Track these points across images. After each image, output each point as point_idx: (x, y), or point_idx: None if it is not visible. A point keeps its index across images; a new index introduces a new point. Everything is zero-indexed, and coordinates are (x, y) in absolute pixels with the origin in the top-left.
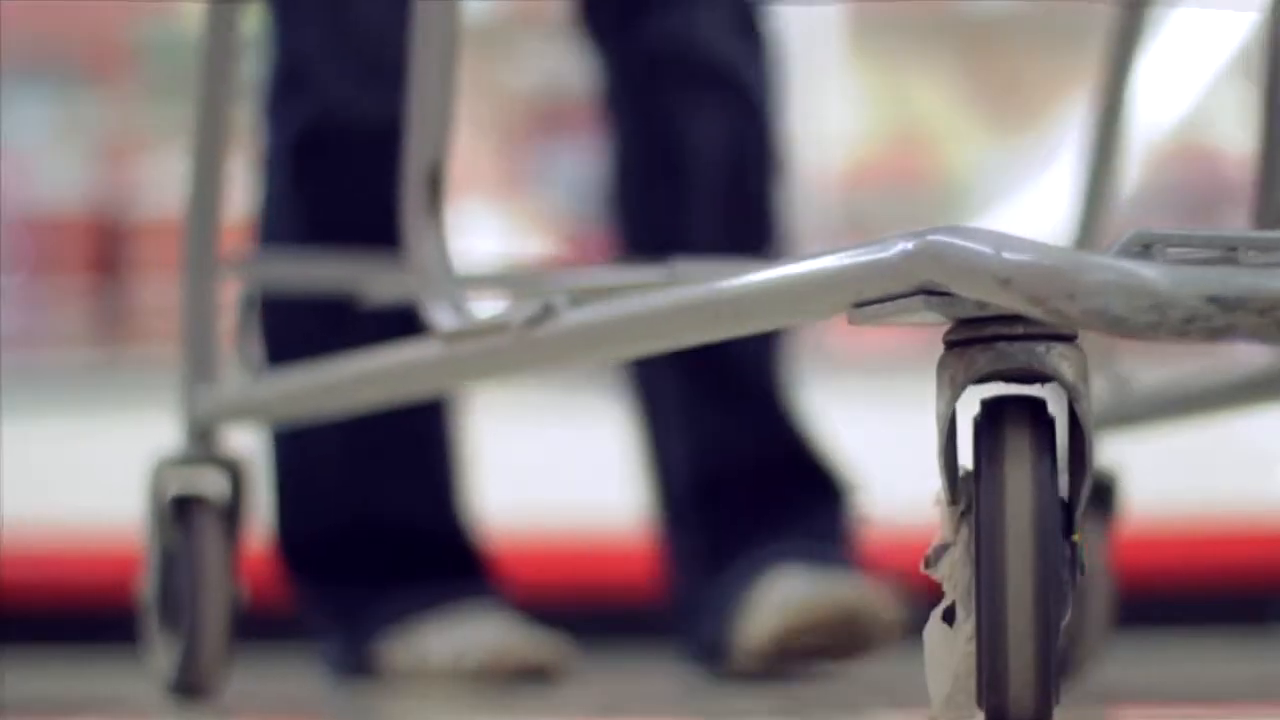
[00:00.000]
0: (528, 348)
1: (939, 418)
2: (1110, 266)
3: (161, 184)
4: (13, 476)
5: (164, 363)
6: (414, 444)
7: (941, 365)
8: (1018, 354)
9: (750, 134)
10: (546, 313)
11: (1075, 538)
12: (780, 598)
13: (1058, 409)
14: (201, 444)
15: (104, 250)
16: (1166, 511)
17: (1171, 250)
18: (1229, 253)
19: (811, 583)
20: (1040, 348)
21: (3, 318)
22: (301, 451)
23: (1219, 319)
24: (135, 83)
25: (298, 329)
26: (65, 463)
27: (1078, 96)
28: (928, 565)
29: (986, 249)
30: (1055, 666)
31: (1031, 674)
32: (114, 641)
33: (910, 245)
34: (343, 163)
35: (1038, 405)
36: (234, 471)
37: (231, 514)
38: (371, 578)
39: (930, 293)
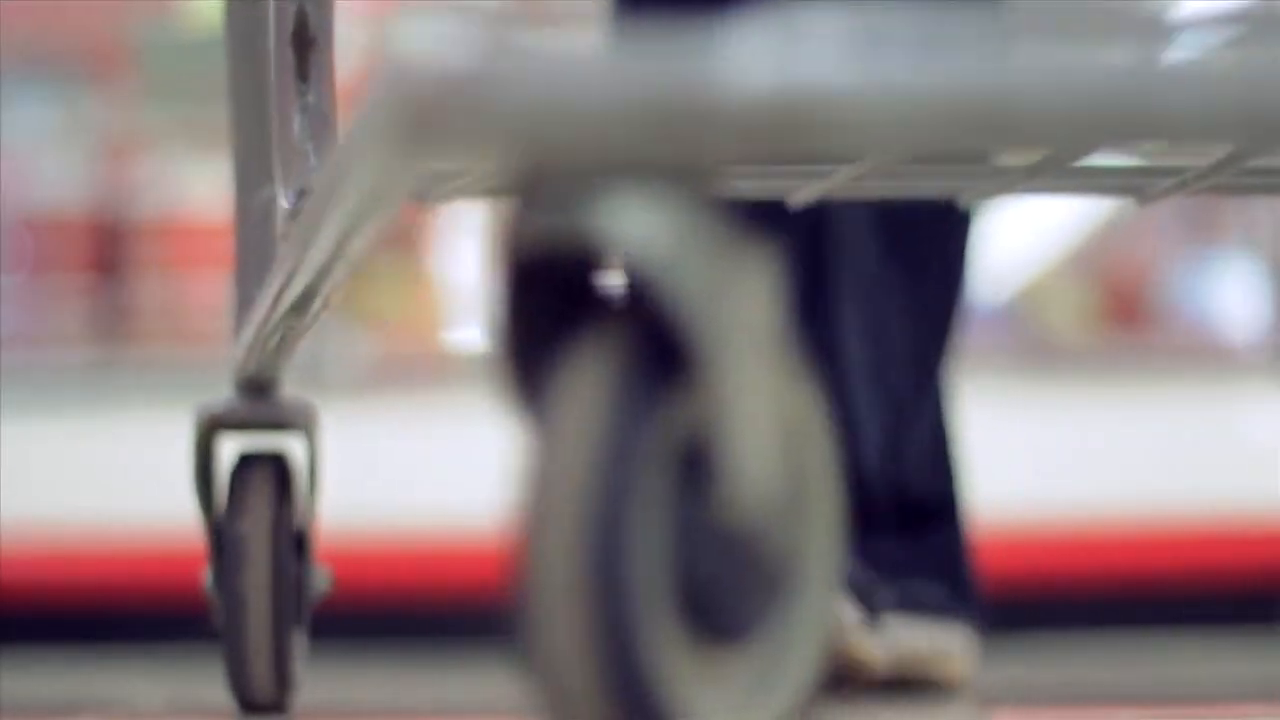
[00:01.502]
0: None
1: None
2: (570, 69)
3: (161, 184)
4: (13, 476)
5: (164, 363)
6: None
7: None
8: (550, 216)
9: None
10: (302, 197)
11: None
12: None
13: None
14: (255, 396)
15: (104, 250)
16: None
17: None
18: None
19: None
20: (577, 199)
21: (3, 318)
22: None
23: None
24: (135, 83)
25: None
26: (65, 463)
27: None
28: None
29: (412, 56)
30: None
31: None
32: (114, 641)
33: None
34: None
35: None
36: (299, 428)
37: (296, 482)
38: None
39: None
